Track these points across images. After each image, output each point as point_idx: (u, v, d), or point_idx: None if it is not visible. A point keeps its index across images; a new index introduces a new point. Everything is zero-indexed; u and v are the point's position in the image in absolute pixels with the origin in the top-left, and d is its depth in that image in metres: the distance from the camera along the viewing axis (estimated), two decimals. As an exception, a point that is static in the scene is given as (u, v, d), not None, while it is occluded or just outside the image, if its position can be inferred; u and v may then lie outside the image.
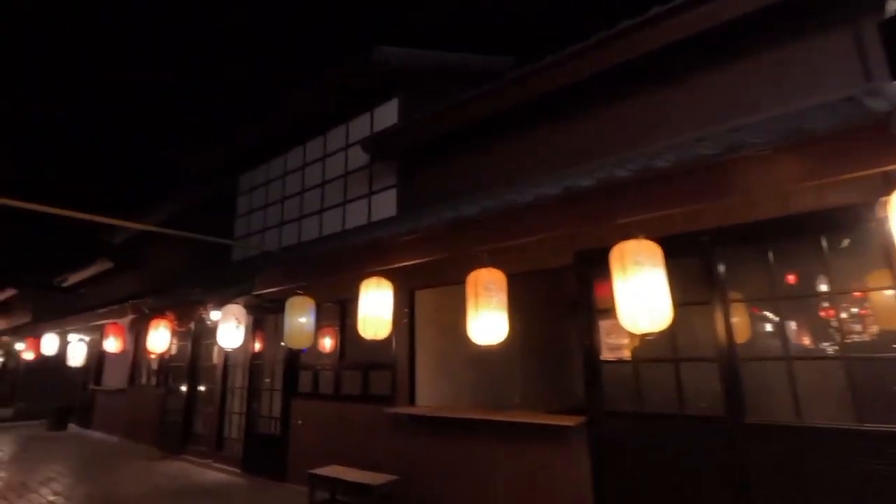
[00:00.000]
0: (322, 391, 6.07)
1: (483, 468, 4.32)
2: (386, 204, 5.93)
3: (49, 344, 10.04)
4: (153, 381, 9.59)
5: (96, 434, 10.85)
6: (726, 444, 3.21)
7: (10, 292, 18.80)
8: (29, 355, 10.92)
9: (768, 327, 3.88)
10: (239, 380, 7.49)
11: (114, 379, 10.91)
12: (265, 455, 6.54)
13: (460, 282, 4.91)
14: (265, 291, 4.77)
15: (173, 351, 9.13)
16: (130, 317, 6.79)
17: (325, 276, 4.58)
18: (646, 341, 3.60)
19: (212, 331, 8.25)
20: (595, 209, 2.77)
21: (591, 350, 3.92)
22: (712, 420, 3.31)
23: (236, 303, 5.05)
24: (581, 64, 4.19)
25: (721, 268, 3.39)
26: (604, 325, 3.94)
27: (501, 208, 2.99)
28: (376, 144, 5.48)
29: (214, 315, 7.58)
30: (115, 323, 7.46)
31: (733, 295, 3.39)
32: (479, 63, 6.75)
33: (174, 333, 6.37)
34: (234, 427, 7.37)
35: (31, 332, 10.94)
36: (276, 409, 6.61)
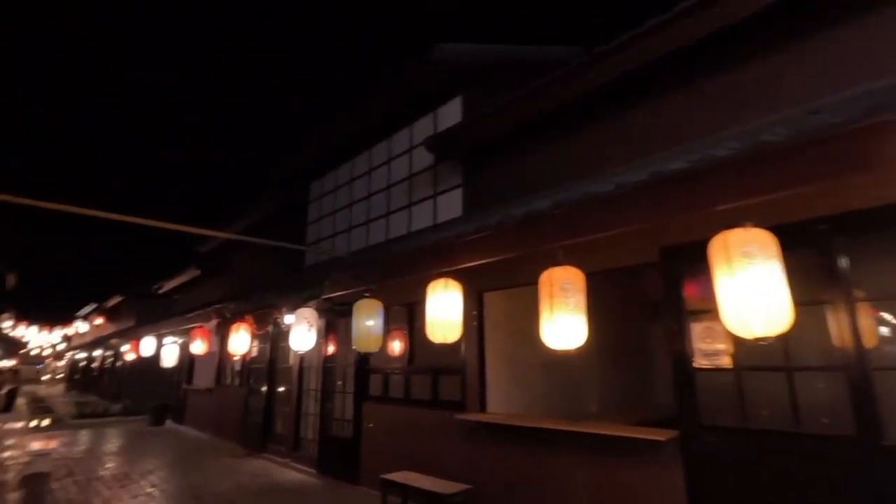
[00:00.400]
0: (392, 395, 6.04)
1: (561, 482, 4.02)
2: (451, 205, 5.80)
3: (147, 346, 10.93)
4: (236, 381, 10.13)
5: (189, 430, 11.66)
6: (858, 470, 2.71)
7: (117, 299, 20.92)
8: (131, 356, 11.97)
9: (903, 331, 3.27)
10: (313, 382, 7.68)
11: (203, 379, 11.68)
12: (339, 457, 6.62)
13: (532, 282, 4.67)
14: (334, 295, 4.80)
15: (254, 353, 9.59)
16: (215, 321, 7.19)
17: (392, 278, 4.51)
18: (748, 347, 3.15)
19: (287, 334, 8.55)
20: (688, 196, 2.43)
21: (683, 356, 3.51)
22: (839, 440, 2.81)
23: (308, 306, 5.13)
24: (668, 36, 3.79)
25: (843, 261, 2.89)
26: (696, 328, 3.52)
27: (577, 200, 2.72)
28: (440, 143, 5.37)
29: (288, 319, 7.84)
30: (201, 326, 7.95)
31: (858, 293, 2.88)
32: (542, 54, 6.46)
33: (253, 336, 6.63)
34: (310, 428, 7.55)
35: (134, 335, 12.00)
36: (349, 411, 6.67)
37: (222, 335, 10.33)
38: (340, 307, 5.58)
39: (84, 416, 15.49)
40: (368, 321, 4.22)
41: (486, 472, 4.63)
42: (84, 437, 11.17)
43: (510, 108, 4.99)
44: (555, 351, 3.10)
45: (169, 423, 13.01)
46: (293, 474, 7.13)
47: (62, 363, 42.29)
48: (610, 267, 3.70)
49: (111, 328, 20.86)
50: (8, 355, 37.55)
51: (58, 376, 43.38)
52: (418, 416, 5.50)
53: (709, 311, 3.47)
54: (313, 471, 7.01)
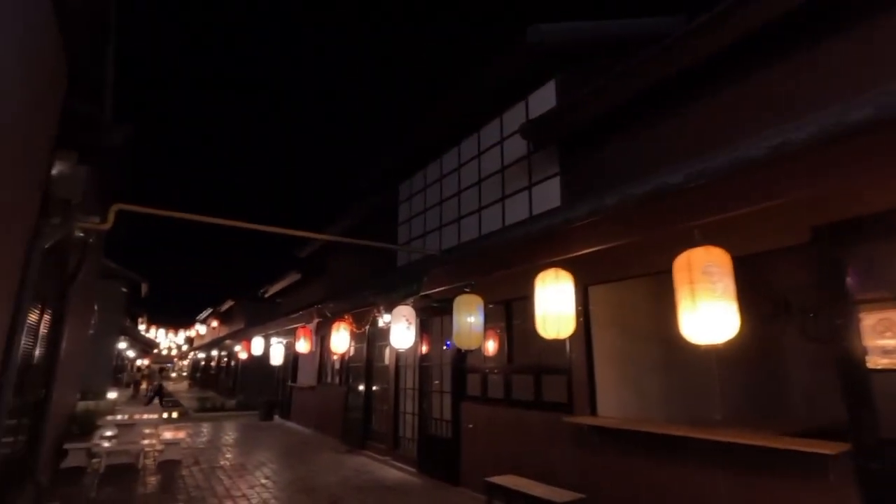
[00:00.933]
0: (492, 395, 5.83)
1: (694, 498, 3.55)
2: (548, 194, 5.48)
3: (256, 346, 11.76)
4: (336, 380, 10.52)
5: (294, 426, 12.35)
6: None
7: (229, 303, 22.91)
8: (243, 355, 12.94)
9: None
10: (409, 380, 7.70)
11: (306, 377, 12.31)
12: (438, 457, 6.54)
13: (644, 273, 4.23)
14: (432, 291, 4.72)
15: (351, 352, 9.90)
16: (316, 320, 7.48)
17: (496, 270, 4.32)
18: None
19: (384, 333, 8.70)
20: (875, 151, 1.94)
21: (851, 355, 2.91)
22: None
23: (406, 304, 5.09)
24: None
25: None
26: (868, 320, 2.91)
27: (719, 170, 2.31)
28: (536, 129, 5.08)
29: (386, 318, 7.93)
30: (304, 326, 8.33)
31: None
32: (643, 28, 5.91)
33: (353, 335, 6.79)
34: (408, 427, 7.57)
35: (244, 336, 12.98)
36: (447, 411, 6.57)
37: (322, 335, 10.80)
38: (438, 304, 5.50)
39: (205, 409, 17.09)
40: (469, 317, 4.05)
41: (601, 480, 4.24)
42: (205, 428, 12.27)
43: (610, 87, 4.58)
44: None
45: (277, 419, 13.91)
46: (394, 472, 7.18)
47: (186, 362, 47.46)
48: (750, 252, 3.18)
49: (225, 330, 22.85)
50: (144, 355, 42.77)
51: (183, 374, 48.77)
52: (521, 417, 5.24)
53: (886, 299, 2.86)
54: (413, 469, 7.00)
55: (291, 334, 11.49)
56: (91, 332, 10.73)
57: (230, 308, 22.77)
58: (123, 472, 7.12)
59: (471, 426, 6.01)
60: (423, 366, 7.21)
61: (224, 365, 25.96)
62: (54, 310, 5.95)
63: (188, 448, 9.29)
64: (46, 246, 4.31)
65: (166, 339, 26.71)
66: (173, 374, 55.47)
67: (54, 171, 4.85)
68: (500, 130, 6.40)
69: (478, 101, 6.56)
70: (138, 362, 46.49)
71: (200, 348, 32.09)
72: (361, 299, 5.93)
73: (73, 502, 5.61)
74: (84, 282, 8.16)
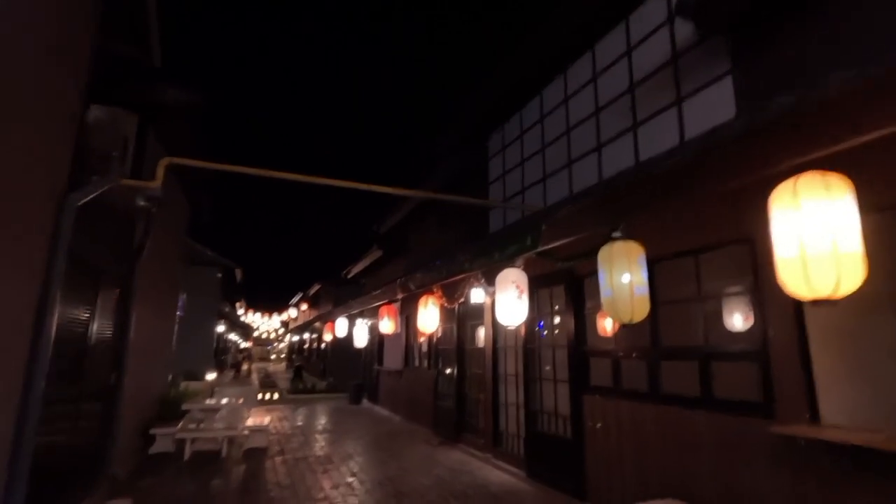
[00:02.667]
0: (628, 387, 4.40)
1: None
2: (708, 106, 3.87)
3: (340, 327, 11.17)
4: (424, 364, 9.57)
5: (382, 411, 11.68)
6: None
7: (317, 286, 23.16)
8: (328, 337, 12.50)
9: None
10: (511, 365, 6.45)
11: (392, 360, 11.56)
12: (554, 461, 5.25)
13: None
14: (558, 244, 3.40)
15: (440, 334, 8.85)
16: (400, 296, 6.48)
17: (671, 198, 2.90)
18: None
19: (476, 312, 7.51)
20: None
21: None
22: None
23: (515, 267, 3.82)
24: None
25: None
26: None
27: None
28: (704, 4, 3.45)
29: (477, 294, 6.73)
30: (388, 303, 7.42)
31: None
32: None
33: (442, 310, 5.70)
34: (511, 420, 6.35)
35: (330, 317, 12.51)
36: (563, 405, 5.24)
37: (408, 314, 9.87)
38: (566, 262, 4.08)
39: (297, 391, 17.23)
40: (624, 276, 2.66)
41: (838, 526, 2.71)
42: (295, 411, 12.00)
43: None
44: None
45: (365, 402, 13.41)
46: (497, 474, 6.02)
47: (283, 345, 50.37)
48: None
49: (314, 313, 23.16)
50: (245, 338, 45.80)
51: (282, 356, 51.85)
52: (679, 420, 3.78)
53: None
54: (520, 472, 5.78)
55: (376, 314, 10.76)
56: (180, 315, 10.79)
57: (318, 291, 23.03)
58: (207, 461, 6.65)
59: (598, 426, 4.64)
60: (528, 348, 5.92)
61: (315, 348, 26.59)
62: (121, 287, 5.45)
63: (276, 434, 8.84)
64: (81, 203, 3.60)
65: (262, 322, 27.86)
66: (272, 357, 59.41)
67: (89, 120, 4.18)
68: (627, 38, 4.82)
69: (589, 7, 5.03)
70: (242, 345, 50.05)
71: (295, 331, 33.37)
72: (454, 266, 4.75)
73: (148, 498, 5.06)
74: (165, 264, 7.86)
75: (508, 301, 3.80)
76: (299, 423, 10.09)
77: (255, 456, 7.00)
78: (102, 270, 4.69)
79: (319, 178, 4.74)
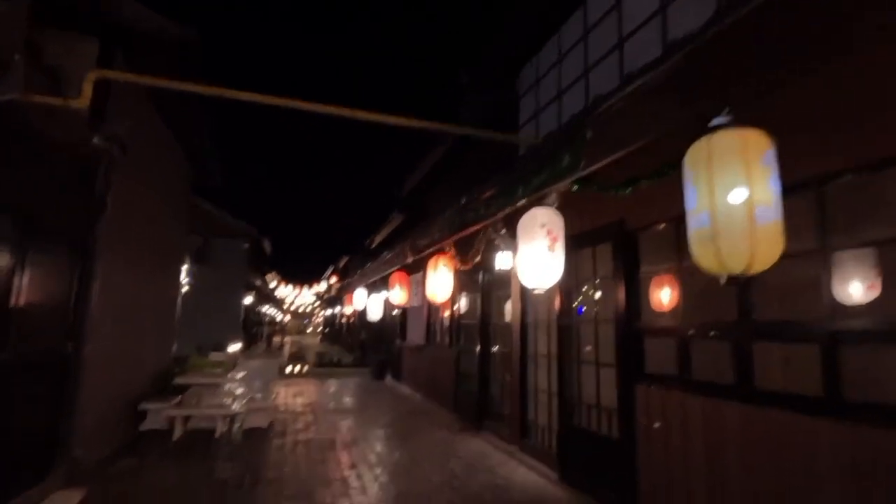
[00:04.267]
0: (702, 377, 3.23)
1: None
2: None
3: (359, 299, 10.34)
4: (446, 339, 8.59)
5: (404, 389, 10.87)
6: None
7: (345, 259, 22.58)
8: (348, 310, 11.73)
9: None
10: (543, 344, 5.35)
11: (415, 335, 10.67)
12: (595, 465, 4.17)
13: None
14: (612, 158, 2.23)
15: (463, 307, 7.82)
16: (410, 259, 5.46)
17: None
18: None
19: (502, 281, 6.41)
20: None
21: None
22: None
23: (544, 206, 2.70)
24: None
25: None
26: None
27: None
28: None
29: (503, 259, 5.62)
30: (399, 270, 6.45)
31: None
32: None
33: (458, 275, 4.66)
34: (542, 410, 5.29)
35: (349, 289, 11.73)
36: (609, 395, 4.12)
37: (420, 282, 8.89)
38: (623, 189, 2.82)
39: (322, 364, 16.75)
40: (735, 190, 1.50)
41: None
42: (313, 386, 11.36)
43: None
44: None
45: (388, 379, 12.67)
46: (522, 473, 5.00)
47: (319, 319, 50.95)
48: None
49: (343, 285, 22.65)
50: (281, 312, 46.44)
51: (318, 330, 52.56)
52: (782, 427, 2.60)
53: None
54: (552, 473, 4.73)
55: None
56: (190, 282, 10.26)
57: (346, 264, 22.46)
58: (197, 442, 5.94)
59: (656, 425, 3.50)
60: (564, 324, 4.79)
61: (346, 321, 26.25)
62: (75, 243, 4.67)
63: (284, 412, 8.14)
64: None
65: (295, 296, 27.72)
66: (308, 330, 60.45)
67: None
68: None
69: None
70: (278, 318, 50.93)
71: (326, 305, 33.29)
72: (468, 211, 3.64)
73: (109, 488, 4.34)
74: (159, 228, 7.10)
75: (536, 254, 2.68)
76: (312, 400, 9.39)
77: (253, 437, 6.25)
78: (35, 216, 3.86)
79: (331, 106, 3.78)
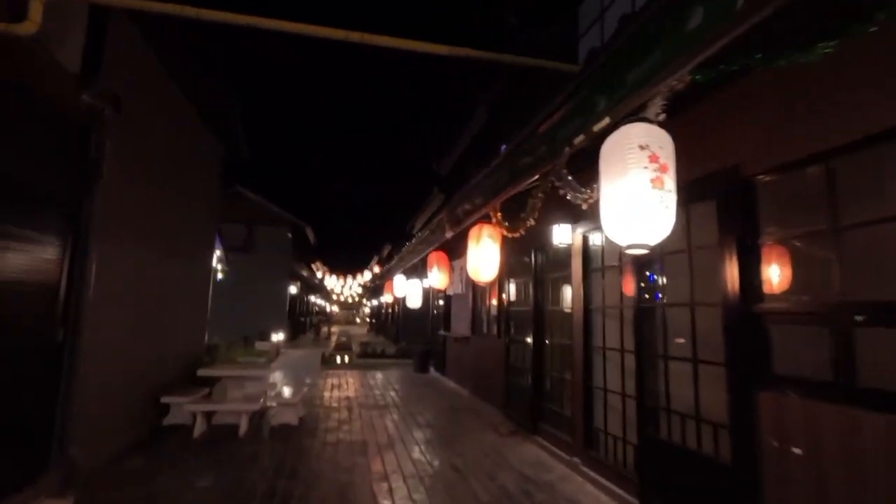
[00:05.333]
0: (871, 385, 2.16)
1: None
2: None
3: (399, 287, 9.60)
4: (494, 330, 7.68)
5: (449, 382, 10.07)
6: None
7: (388, 247, 22.06)
8: (388, 298, 11.05)
9: None
10: (613, 335, 4.33)
11: (459, 325, 9.83)
12: (693, 492, 3.15)
13: None
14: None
15: (512, 292, 6.88)
16: (448, 233, 4.59)
17: None
18: None
19: (559, 259, 5.41)
20: None
21: None
22: None
23: (642, 121, 1.73)
24: None
25: None
26: None
27: None
28: None
29: (561, 233, 4.66)
30: (437, 251, 5.61)
31: None
32: None
33: (505, 249, 3.75)
34: (614, 416, 4.29)
35: (388, 276, 11.05)
36: (713, 403, 3.09)
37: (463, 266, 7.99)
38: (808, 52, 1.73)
39: (365, 355, 16.29)
40: None
41: None
42: (354, 378, 10.78)
43: None
44: None
45: (432, 371, 11.93)
46: (589, 492, 4.06)
47: (367, 309, 51.27)
48: None
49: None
50: (329, 302, 47.01)
51: (366, 320, 52.97)
52: None
53: None
54: (631, 498, 3.75)
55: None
56: (224, 269, 9.90)
57: (390, 252, 21.94)
58: (218, 440, 5.38)
59: (796, 451, 2.46)
60: (644, 308, 3.76)
61: (390, 311, 25.86)
62: (69, 218, 4.13)
63: (320, 405, 7.53)
64: None
65: (340, 285, 27.64)
66: (357, 320, 61.16)
67: None
68: None
69: None
70: (327, 308, 51.73)
71: (371, 294, 33.13)
72: (521, 155, 2.68)
73: (101, 498, 3.76)
74: (180, 207, 6.60)
75: (632, 191, 1.72)
76: (351, 394, 8.76)
77: (279, 436, 5.63)
78: (15, 182, 3.28)
79: (375, 35, 3.30)
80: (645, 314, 3.75)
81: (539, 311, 5.88)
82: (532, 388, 5.83)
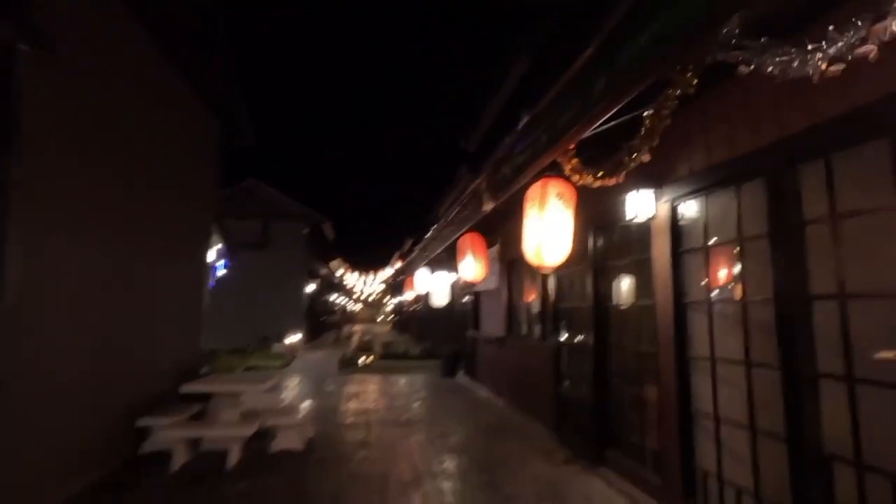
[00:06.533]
0: None
1: None
2: None
3: (421, 281, 8.45)
4: (535, 330, 6.44)
5: (481, 390, 8.85)
6: None
7: (409, 242, 20.94)
8: (410, 295, 9.92)
9: None
10: (728, 341, 3.03)
11: (492, 324, 8.61)
12: None
13: None
14: None
15: (562, 286, 5.61)
16: (488, 204, 3.39)
17: None
18: None
19: (634, 239, 4.12)
20: None
21: None
22: None
23: None
24: None
25: None
26: None
27: None
28: None
29: (641, 202, 3.44)
30: (470, 232, 4.42)
31: None
32: None
33: (572, 194, 2.51)
34: (732, 457, 3.00)
35: (409, 270, 9.90)
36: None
37: (510, 260, 6.74)
38: None
39: (388, 356, 15.20)
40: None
41: None
42: (374, 385, 9.66)
43: None
44: None
45: (461, 376, 10.74)
46: (706, 570, 2.79)
47: (390, 307, 50.41)
48: None
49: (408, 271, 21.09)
50: (349, 299, 46.29)
51: (389, 318, 52.11)
52: None
53: None
54: (773, 584, 2.46)
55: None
56: (224, 266, 8.91)
57: (411, 246, 20.84)
58: (201, 475, 4.30)
59: None
60: (787, 297, 2.46)
61: (413, 309, 24.80)
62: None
63: (331, 422, 6.42)
64: None
65: (361, 283, 26.70)
66: (379, 319, 60.44)
67: None
68: None
69: None
70: (349, 307, 51.03)
71: (394, 291, 32.18)
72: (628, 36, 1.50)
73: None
74: (161, 191, 5.52)
75: None
76: (371, 405, 7.65)
77: (278, 468, 4.53)
78: None
79: None
80: (798, 311, 2.46)
81: (601, 308, 4.61)
82: (595, 405, 4.57)
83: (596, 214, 4.49)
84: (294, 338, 14.84)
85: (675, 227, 3.49)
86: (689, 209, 3.45)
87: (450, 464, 4.74)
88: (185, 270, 6.26)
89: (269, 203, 18.07)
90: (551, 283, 5.66)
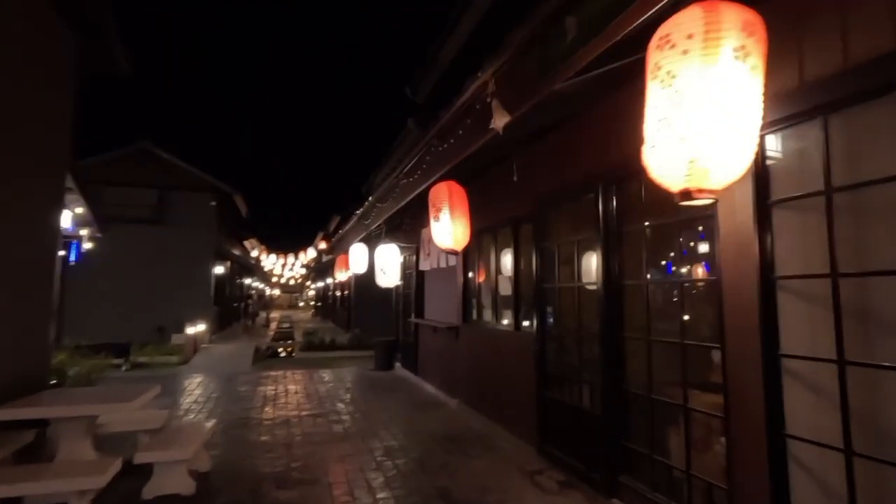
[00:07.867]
0: None
1: None
2: None
3: (357, 259, 6.99)
4: (503, 318, 5.29)
5: (427, 387, 7.62)
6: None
7: (336, 219, 19.11)
8: (342, 276, 8.42)
9: None
10: (851, 340, 2.00)
11: (442, 309, 7.37)
12: None
13: None
14: None
15: (548, 262, 4.46)
16: (501, 118, 2.09)
17: None
18: None
19: (664, 196, 3.03)
20: None
21: None
22: None
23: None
24: None
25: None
26: None
27: None
28: None
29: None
30: (446, 180, 3.10)
31: None
32: None
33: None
34: (802, 487, 1.98)
35: (340, 247, 8.37)
36: None
37: (476, 231, 5.50)
38: None
39: (311, 346, 13.51)
40: None
41: None
42: (296, 381, 8.04)
43: None
44: None
45: (398, 368, 9.43)
46: None
47: (311, 292, 47.59)
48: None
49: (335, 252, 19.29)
50: (268, 285, 43.10)
51: (310, 304, 49.27)
52: None
53: None
54: None
55: (416, 236, 6.62)
56: (73, 230, 6.82)
57: (337, 226, 19.01)
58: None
59: None
60: None
61: (339, 293, 23.04)
62: None
63: (239, 438, 4.84)
64: None
65: (280, 266, 24.26)
66: (300, 304, 57.29)
67: None
68: None
69: None
70: (268, 292, 47.61)
71: (317, 275, 30.09)
72: None
73: None
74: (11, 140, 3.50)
75: None
76: (291, 410, 6.12)
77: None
78: None
79: None
80: None
81: (613, 287, 3.51)
82: (604, 415, 3.49)
83: (604, 160, 3.35)
84: (198, 327, 12.61)
85: (762, 165, 2.41)
86: (792, 138, 2.37)
87: (408, 501, 3.45)
88: (15, 239, 4.30)
89: (167, 170, 15.35)
90: (533, 259, 4.50)
